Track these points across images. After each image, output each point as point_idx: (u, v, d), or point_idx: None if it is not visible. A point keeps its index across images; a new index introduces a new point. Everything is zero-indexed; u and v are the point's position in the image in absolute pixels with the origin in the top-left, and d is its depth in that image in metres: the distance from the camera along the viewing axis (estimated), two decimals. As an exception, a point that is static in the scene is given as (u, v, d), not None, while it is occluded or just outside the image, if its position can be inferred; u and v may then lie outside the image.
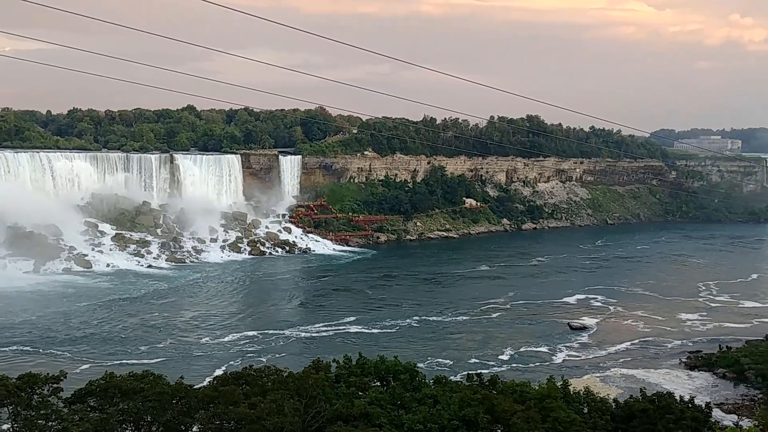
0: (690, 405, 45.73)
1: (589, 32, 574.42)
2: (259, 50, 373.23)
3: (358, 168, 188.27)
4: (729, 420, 57.38)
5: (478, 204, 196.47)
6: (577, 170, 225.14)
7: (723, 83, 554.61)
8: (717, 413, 56.88)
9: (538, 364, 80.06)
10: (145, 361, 73.79)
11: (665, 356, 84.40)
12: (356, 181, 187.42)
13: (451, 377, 53.94)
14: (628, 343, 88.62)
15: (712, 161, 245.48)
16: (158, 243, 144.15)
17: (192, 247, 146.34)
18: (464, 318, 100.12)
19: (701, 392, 68.90)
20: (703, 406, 47.70)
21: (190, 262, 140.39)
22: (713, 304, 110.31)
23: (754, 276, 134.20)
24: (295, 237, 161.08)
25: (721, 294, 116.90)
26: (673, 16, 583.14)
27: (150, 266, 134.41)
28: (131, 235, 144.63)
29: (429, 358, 79.34)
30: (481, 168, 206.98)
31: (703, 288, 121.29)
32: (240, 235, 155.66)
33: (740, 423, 48.14)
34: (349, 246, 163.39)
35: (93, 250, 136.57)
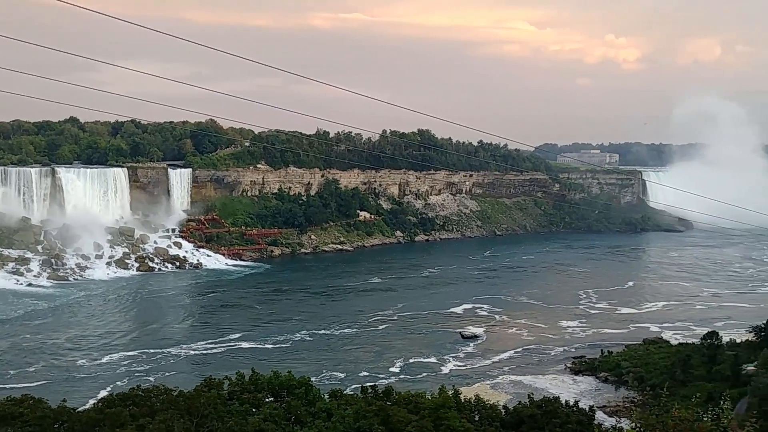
0: (575, 409, 47.60)
1: (476, 49, 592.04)
2: (147, 61, 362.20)
3: (251, 181, 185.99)
4: (611, 422, 60.17)
5: (372, 216, 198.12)
6: (467, 183, 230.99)
7: (601, 100, 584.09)
8: (600, 415, 59.54)
9: (431, 373, 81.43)
10: (24, 385, 70.13)
11: (551, 362, 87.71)
12: (249, 194, 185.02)
13: (347, 390, 54.04)
14: (516, 351, 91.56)
15: (592, 174, 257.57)
16: (39, 260, 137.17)
17: (76, 264, 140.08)
18: (356, 330, 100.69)
19: (585, 396, 72.04)
20: (587, 409, 49.79)
21: (74, 279, 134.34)
22: (593, 311, 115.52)
23: (631, 283, 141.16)
24: (186, 252, 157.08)
25: (600, 301, 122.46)
26: (554, 36, 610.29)
27: (30, 285, 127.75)
28: (9, 253, 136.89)
29: (324, 372, 79.25)
30: (375, 181, 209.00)
31: (584, 296, 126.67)
32: (127, 250, 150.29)
33: (619, 425, 50.51)
34: (243, 260, 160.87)
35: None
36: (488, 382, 78.71)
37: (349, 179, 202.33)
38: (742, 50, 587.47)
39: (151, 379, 72.86)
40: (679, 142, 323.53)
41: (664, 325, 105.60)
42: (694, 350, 79.95)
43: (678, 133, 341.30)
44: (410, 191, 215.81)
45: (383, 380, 72.97)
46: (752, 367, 70.01)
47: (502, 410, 47.04)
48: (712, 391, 59.28)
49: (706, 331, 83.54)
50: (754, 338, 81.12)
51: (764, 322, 79.98)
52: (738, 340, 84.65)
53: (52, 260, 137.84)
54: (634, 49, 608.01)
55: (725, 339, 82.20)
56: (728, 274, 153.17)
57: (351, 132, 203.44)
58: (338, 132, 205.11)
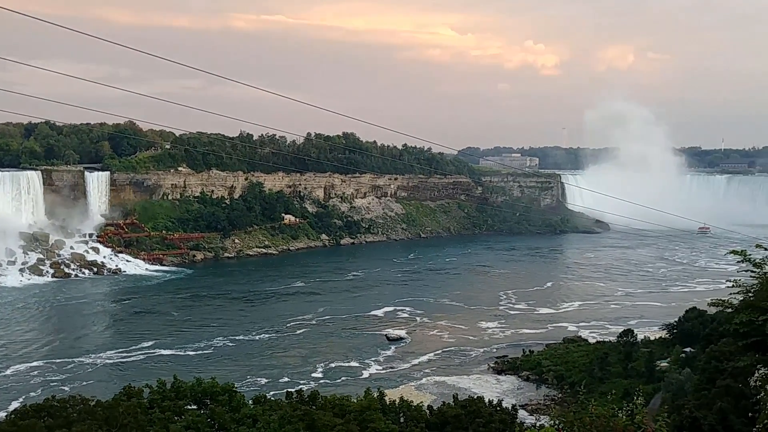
0: (498, 408, 48.53)
1: (399, 53, 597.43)
2: (62, 61, 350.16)
3: (172, 184, 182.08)
4: (532, 420, 61.51)
5: (297, 220, 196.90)
6: (392, 186, 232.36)
7: (521, 104, 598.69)
8: (522, 414, 60.77)
9: (356, 376, 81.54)
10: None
11: (474, 362, 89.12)
12: (170, 198, 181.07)
13: (271, 395, 53.49)
14: (440, 352, 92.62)
15: (514, 177, 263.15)
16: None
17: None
18: (279, 335, 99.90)
19: (508, 395, 73.53)
20: (510, 408, 50.86)
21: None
22: (513, 312, 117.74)
23: (549, 284, 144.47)
24: (104, 257, 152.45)
25: (520, 302, 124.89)
26: (476, 41, 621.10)
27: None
28: None
29: (248, 377, 78.39)
30: (300, 184, 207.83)
31: (504, 297, 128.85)
32: (42, 256, 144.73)
33: (539, 423, 51.76)
34: (164, 265, 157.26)
35: None
36: (413, 384, 79.34)
37: (274, 182, 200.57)
38: (654, 57, 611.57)
39: (66, 389, 70.42)
40: (596, 146, 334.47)
41: (581, 324, 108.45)
42: (611, 348, 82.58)
43: (593, 137, 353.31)
44: (336, 194, 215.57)
45: (308, 385, 72.61)
46: (665, 364, 72.92)
47: (427, 411, 47.51)
48: (628, 387, 61.32)
49: (622, 330, 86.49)
50: (667, 335, 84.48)
51: (676, 320, 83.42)
52: (652, 338, 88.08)
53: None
54: (551, 56, 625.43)
55: (640, 337, 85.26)
56: (641, 274, 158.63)
57: (275, 135, 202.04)
58: (262, 134, 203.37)
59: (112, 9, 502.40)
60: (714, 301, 40.67)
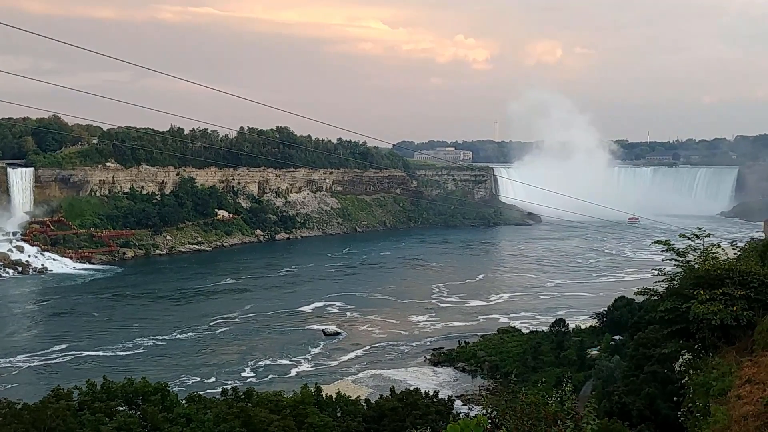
0: (434, 399, 49.05)
1: (330, 47, 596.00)
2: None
3: (100, 180, 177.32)
4: (466, 410, 62.42)
5: (231, 215, 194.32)
6: (327, 180, 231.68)
7: (454, 99, 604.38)
8: (458, 404, 61.55)
9: (292, 373, 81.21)
10: None
11: (411, 355, 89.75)
12: (98, 194, 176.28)
13: (206, 394, 52.74)
14: (375, 345, 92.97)
15: (448, 171, 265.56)
16: None
17: None
18: (211, 333, 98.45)
19: (444, 386, 74.22)
20: (446, 399, 51.45)
21: None
22: (444, 305, 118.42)
23: (481, 276, 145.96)
24: (29, 256, 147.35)
25: (452, 295, 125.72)
26: (407, 35, 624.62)
27: None
28: None
29: (181, 377, 77.15)
30: (233, 179, 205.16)
31: (437, 290, 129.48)
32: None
33: (472, 412, 52.52)
34: (92, 264, 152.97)
35: None
36: (350, 378, 79.40)
37: (206, 177, 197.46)
38: (581, 52, 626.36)
39: (-10, 392, 67.82)
40: (526, 140, 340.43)
41: (512, 315, 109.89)
42: (544, 338, 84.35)
43: (520, 129, 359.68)
44: (270, 189, 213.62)
45: (243, 382, 71.82)
46: (596, 352, 74.92)
47: (364, 404, 47.64)
48: (560, 375, 62.68)
49: (552, 320, 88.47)
50: (597, 324, 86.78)
51: (605, 309, 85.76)
52: (583, 327, 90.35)
53: None
54: (482, 50, 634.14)
55: (571, 326, 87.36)
56: (571, 265, 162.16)
57: (207, 129, 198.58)
58: (193, 129, 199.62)
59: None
60: (641, 289, 42.00)
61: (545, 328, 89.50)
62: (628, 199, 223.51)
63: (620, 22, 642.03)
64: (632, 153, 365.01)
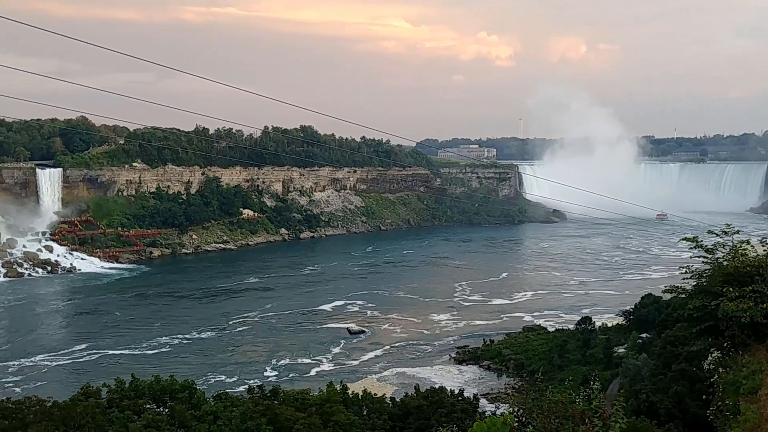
0: (460, 398, 48.98)
1: (353, 45, 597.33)
2: (3, 55, 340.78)
3: (127, 180, 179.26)
4: (492, 408, 62.18)
5: (256, 214, 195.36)
6: (351, 179, 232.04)
7: (477, 96, 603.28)
8: (483, 403, 61.37)
9: (317, 371, 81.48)
10: None
11: (436, 353, 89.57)
12: (125, 194, 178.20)
13: (236, 390, 53.10)
14: (400, 344, 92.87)
15: (472, 169, 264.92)
16: None
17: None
18: (237, 331, 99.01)
19: (470, 384, 74.07)
20: (472, 397, 51.36)
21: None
22: (467, 303, 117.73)
23: (504, 275, 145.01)
24: (58, 256, 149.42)
25: (475, 293, 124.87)
26: (429, 33, 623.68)
27: None
28: None
29: (207, 375, 77.68)
30: (258, 178, 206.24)
31: (459, 289, 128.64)
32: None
33: (498, 411, 52.33)
34: (120, 263, 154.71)
35: None
36: (374, 376, 79.47)
37: (231, 177, 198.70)
38: (605, 48, 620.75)
39: (18, 390, 68.89)
40: (552, 137, 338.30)
41: (535, 314, 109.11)
42: (570, 336, 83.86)
43: (545, 127, 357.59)
44: (294, 188, 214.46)
45: (268, 380, 72.23)
46: (622, 350, 74.30)
47: (390, 402, 47.69)
48: (587, 373, 62.32)
49: (577, 318, 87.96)
50: (624, 322, 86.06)
51: (632, 306, 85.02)
52: (609, 325, 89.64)
53: None
54: (505, 47, 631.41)
55: (597, 324, 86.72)
56: (596, 263, 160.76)
57: (232, 128, 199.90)
58: (218, 128, 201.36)
59: (51, 2, 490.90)
60: (668, 287, 41.52)
61: (571, 327, 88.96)
62: (654, 196, 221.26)
63: (644, 17, 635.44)
64: (659, 149, 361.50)
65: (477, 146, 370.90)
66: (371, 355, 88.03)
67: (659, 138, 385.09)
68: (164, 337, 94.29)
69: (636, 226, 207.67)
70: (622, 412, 13.19)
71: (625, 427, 12.80)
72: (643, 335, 74.32)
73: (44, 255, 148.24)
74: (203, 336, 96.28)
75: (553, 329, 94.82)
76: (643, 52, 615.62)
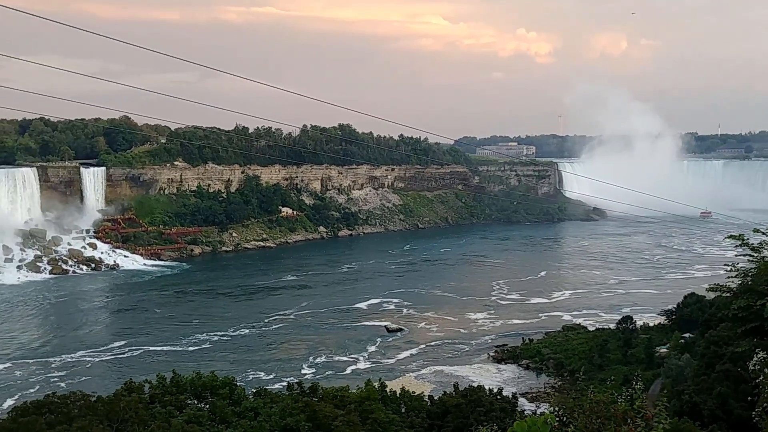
0: (498, 397, 48.72)
1: (391, 43, 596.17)
2: (49, 57, 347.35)
3: (169, 179, 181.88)
4: (531, 408, 61.70)
5: (295, 213, 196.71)
6: (389, 177, 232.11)
7: (516, 93, 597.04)
8: (522, 402, 60.94)
9: (355, 368, 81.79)
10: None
11: (474, 352, 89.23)
12: (167, 192, 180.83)
13: (272, 387, 53.60)
14: (438, 342, 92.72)
15: (511, 166, 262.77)
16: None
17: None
18: (276, 328, 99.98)
19: (508, 383, 73.65)
20: (510, 396, 51.04)
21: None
22: (504, 302, 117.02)
23: (543, 273, 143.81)
24: (102, 253, 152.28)
25: (512, 292, 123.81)
26: (468, 30, 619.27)
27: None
28: None
29: (246, 371, 78.45)
30: (296, 177, 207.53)
31: (497, 287, 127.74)
32: (39, 253, 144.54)
33: (539, 410, 51.88)
34: (162, 260, 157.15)
35: None
36: (412, 374, 79.49)
37: (270, 175, 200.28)
38: (647, 43, 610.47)
39: (63, 385, 70.52)
40: (592, 134, 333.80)
41: (574, 312, 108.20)
42: (611, 335, 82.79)
43: (585, 124, 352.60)
44: (332, 186, 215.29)
45: (309, 377, 72.77)
46: (665, 350, 73.15)
47: (428, 401, 47.64)
48: (628, 373, 61.45)
49: (617, 318, 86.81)
50: (666, 322, 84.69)
51: (675, 306, 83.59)
52: (651, 324, 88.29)
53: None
54: (545, 43, 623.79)
55: (639, 323, 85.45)
56: (637, 262, 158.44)
57: (271, 127, 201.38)
58: (258, 127, 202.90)
59: (95, 4, 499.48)
60: (712, 286, 40.71)
61: (611, 326, 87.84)
62: (698, 194, 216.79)
63: (688, 10, 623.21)
64: (702, 146, 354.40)
65: (516, 144, 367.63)
66: (408, 353, 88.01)
67: (703, 135, 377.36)
68: (203, 334, 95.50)
69: (678, 224, 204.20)
70: (665, 413, 12.97)
71: (668, 428, 12.59)
72: (686, 335, 73.10)
73: (88, 252, 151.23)
74: (241, 333, 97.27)
75: (593, 328, 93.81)
76: (686, 47, 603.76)
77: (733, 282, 36.98)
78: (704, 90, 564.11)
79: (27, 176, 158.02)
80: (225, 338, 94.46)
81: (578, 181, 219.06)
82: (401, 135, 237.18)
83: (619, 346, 78.51)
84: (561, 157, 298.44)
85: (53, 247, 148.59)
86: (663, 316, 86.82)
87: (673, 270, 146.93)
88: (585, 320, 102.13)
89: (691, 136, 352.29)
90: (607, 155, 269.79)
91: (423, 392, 53.11)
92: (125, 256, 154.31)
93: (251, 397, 42.35)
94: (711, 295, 57.02)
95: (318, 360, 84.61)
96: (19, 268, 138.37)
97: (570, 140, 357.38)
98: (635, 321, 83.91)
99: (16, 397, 66.74)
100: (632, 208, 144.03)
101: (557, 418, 12.65)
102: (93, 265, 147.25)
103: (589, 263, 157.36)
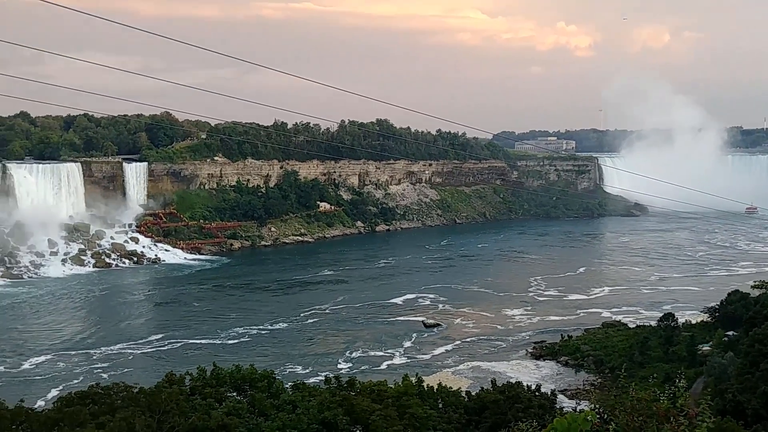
0: (537, 393, 48.34)
1: (429, 38, 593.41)
2: (91, 54, 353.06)
3: (209, 174, 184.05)
4: (571, 404, 61.12)
5: (333, 207, 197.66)
6: (427, 172, 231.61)
7: (555, 87, 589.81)
8: (561, 399, 60.39)
9: (392, 363, 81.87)
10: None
11: (512, 348, 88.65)
12: (207, 187, 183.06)
13: (309, 381, 53.94)
14: (475, 338, 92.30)
15: (550, 161, 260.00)
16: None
17: (30, 262, 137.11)
18: (314, 322, 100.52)
19: (547, 380, 73.02)
20: (549, 393, 50.62)
21: (28, 277, 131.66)
22: (541, 299, 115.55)
23: (582, 269, 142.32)
24: (143, 247, 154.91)
25: (550, 288, 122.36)
26: (506, 24, 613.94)
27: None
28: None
29: (285, 364, 79.15)
30: (334, 172, 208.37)
31: (534, 283, 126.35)
32: (83, 247, 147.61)
33: (579, 407, 51.37)
34: (202, 254, 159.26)
35: None
36: (449, 370, 79.30)
37: (309, 170, 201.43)
38: (690, 36, 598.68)
39: (105, 376, 71.88)
40: (633, 128, 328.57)
41: (613, 309, 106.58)
42: (652, 332, 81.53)
43: (626, 118, 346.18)
44: (370, 181, 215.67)
45: (345, 371, 73.03)
46: (707, 348, 71.85)
47: (465, 396, 47.50)
48: (669, 371, 60.52)
49: (657, 315, 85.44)
50: (708, 319, 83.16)
51: (718, 303, 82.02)
52: (693, 322, 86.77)
53: (6, 258, 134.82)
54: (584, 37, 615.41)
55: (681, 321, 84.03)
56: (679, 258, 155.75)
57: (309, 123, 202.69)
58: (296, 123, 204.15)
59: (136, 1, 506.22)
60: (757, 283, 39.88)
61: (652, 323, 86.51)
62: (743, 189, 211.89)
63: (733, 2, 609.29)
64: (748, 140, 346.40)
65: (555, 138, 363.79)
66: (444, 349, 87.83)
67: (748, 129, 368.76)
68: (241, 328, 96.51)
69: (722, 220, 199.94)
70: (708, 411, 12.72)
71: (711, 427, 12.33)
72: (730, 333, 71.70)
73: (130, 246, 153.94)
74: (279, 327, 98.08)
75: (634, 325, 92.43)
76: (731, 40, 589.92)
77: (779, 279, 36.12)
78: (750, 83, 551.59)
79: (71, 171, 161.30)
80: (263, 332, 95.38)
81: (619, 176, 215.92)
82: (439, 130, 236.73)
83: (661, 344, 77.27)
84: (601, 152, 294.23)
85: (97, 241, 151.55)
86: (706, 313, 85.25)
87: (717, 267, 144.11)
88: (625, 317, 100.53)
89: (736, 130, 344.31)
90: (648, 149, 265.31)
91: (460, 388, 52.94)
92: (166, 250, 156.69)
93: (289, 390, 42.68)
94: (756, 293, 55.94)
95: (354, 354, 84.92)
96: (63, 261, 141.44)
97: (610, 135, 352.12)
98: (677, 318, 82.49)
99: (61, 387, 68.21)
100: (674, 203, 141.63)
101: (598, 416, 12.50)
102: (135, 259, 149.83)
103: (630, 259, 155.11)
